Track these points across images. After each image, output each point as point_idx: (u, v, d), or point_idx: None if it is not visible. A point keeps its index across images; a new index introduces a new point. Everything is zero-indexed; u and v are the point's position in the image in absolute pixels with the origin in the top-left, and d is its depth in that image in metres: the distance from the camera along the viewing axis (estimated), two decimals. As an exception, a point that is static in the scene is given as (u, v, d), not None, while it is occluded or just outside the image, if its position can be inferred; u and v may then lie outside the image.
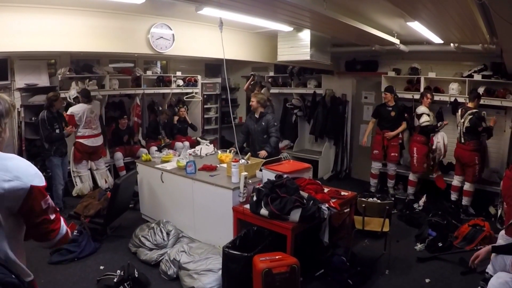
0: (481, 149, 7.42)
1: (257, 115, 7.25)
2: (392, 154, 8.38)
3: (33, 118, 8.25)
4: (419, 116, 7.81)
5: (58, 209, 2.17)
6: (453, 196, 7.69)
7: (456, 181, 7.66)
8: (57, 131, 7.21)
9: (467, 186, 7.38)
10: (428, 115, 7.78)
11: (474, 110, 7.08)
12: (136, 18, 6.51)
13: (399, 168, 8.72)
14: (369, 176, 8.91)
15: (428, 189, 8.21)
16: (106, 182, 8.62)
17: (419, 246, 6.15)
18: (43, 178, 2.03)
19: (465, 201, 7.44)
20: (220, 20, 5.38)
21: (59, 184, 7.26)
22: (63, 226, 2.18)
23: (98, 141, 8.33)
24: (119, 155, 9.03)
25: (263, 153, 6.81)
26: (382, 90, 8.82)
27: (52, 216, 2.07)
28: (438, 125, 7.79)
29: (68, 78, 8.50)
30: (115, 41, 6.40)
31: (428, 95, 7.80)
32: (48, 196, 2.04)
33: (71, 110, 7.94)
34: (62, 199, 7.41)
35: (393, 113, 8.24)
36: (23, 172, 1.92)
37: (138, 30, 6.61)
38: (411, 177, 8.18)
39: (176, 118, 10.25)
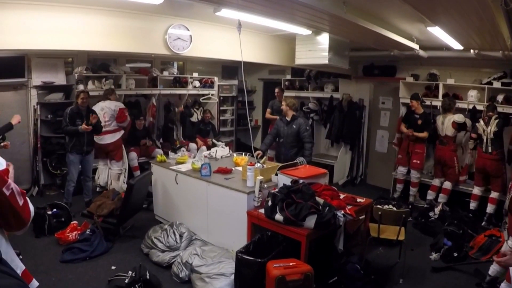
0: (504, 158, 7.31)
1: (288, 118, 7.16)
2: (415, 161, 8.30)
3: (49, 116, 8.31)
4: (462, 124, 7.65)
5: (24, 191, 2.09)
6: (472, 205, 7.53)
7: (477, 189, 7.50)
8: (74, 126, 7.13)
9: (495, 194, 7.23)
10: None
11: (496, 115, 7.04)
12: (154, 18, 6.52)
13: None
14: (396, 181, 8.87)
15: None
16: (110, 183, 8.52)
17: (434, 256, 6.06)
18: (2, 162, 2.00)
19: (490, 209, 7.27)
20: (238, 22, 5.34)
21: (70, 181, 7.26)
22: (32, 209, 2.11)
23: (105, 139, 8.16)
24: (133, 155, 9.00)
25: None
26: (400, 95, 8.79)
27: (21, 202, 1.99)
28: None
29: (85, 77, 8.53)
30: (132, 41, 6.41)
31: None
32: (10, 181, 1.95)
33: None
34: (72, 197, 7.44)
35: (419, 121, 8.14)
36: None
37: (156, 30, 6.61)
38: (447, 186, 7.98)
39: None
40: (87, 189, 7.59)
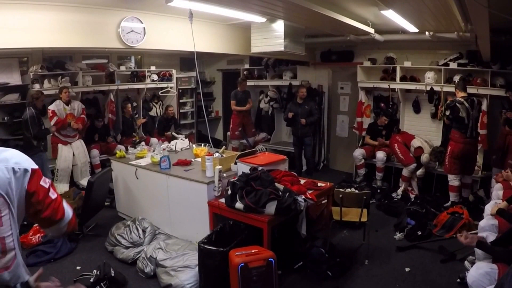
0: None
1: (300, 101, 9.03)
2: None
3: (5, 118, 8.10)
4: None
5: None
6: (455, 199, 7.15)
7: (456, 180, 7.12)
8: (42, 127, 7.36)
9: (469, 180, 7.33)
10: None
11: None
12: (106, 12, 6.37)
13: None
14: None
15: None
16: None
17: (398, 235, 6.15)
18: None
19: (466, 193, 7.33)
20: (189, 12, 5.29)
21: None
22: (67, 208, 2.19)
23: None
24: (95, 152, 8.87)
25: (303, 120, 8.84)
26: (359, 80, 9.05)
27: (54, 196, 2.09)
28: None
29: (41, 76, 8.34)
30: (85, 36, 6.25)
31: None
32: (44, 176, 2.08)
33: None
34: None
35: (384, 132, 8.85)
36: (21, 158, 2.00)
37: (108, 24, 6.45)
38: (404, 172, 7.99)
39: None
40: None
